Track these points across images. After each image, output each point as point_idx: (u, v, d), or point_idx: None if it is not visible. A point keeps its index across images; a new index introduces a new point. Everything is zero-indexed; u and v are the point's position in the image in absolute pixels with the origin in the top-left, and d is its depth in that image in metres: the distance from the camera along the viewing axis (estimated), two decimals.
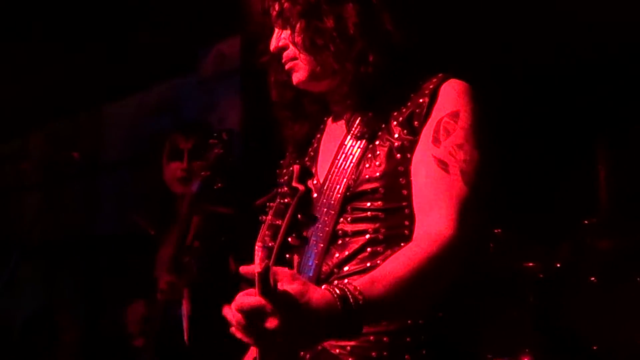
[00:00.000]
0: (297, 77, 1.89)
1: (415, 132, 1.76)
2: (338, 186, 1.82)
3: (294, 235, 1.44)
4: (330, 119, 2.01)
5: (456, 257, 1.64)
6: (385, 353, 1.70)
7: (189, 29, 4.84)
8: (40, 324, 4.26)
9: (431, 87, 1.80)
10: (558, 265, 3.23)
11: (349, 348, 1.72)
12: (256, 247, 1.48)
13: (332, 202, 1.81)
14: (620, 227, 3.31)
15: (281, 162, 2.14)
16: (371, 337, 1.70)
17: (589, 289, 3.23)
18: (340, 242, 1.79)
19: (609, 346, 3.16)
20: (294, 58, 1.88)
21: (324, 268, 1.79)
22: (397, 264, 1.58)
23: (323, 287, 1.51)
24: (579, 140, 3.65)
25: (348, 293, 1.48)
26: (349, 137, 1.87)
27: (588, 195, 3.52)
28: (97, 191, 5.88)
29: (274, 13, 1.90)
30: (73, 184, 5.84)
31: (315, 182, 1.88)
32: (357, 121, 1.86)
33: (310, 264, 1.81)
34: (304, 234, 1.45)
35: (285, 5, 1.87)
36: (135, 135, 5.52)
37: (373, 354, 1.71)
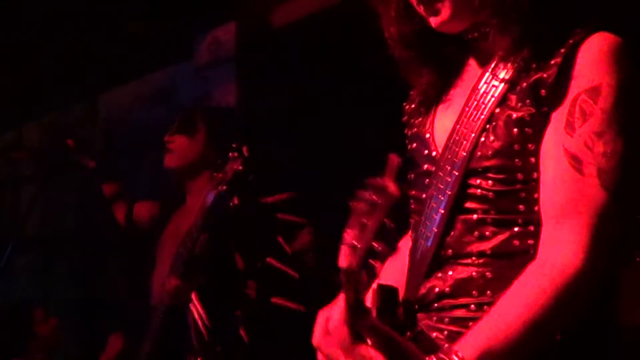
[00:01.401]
0: (441, 16, 1.55)
1: (540, 104, 1.44)
2: (465, 142, 1.51)
3: (383, 242, 1.28)
4: (467, 64, 1.65)
5: (585, 291, 1.38)
6: None
7: (184, 16, 4.81)
8: (18, 315, 4.27)
9: (569, 44, 1.44)
10: None
11: (446, 332, 1.49)
12: (342, 240, 1.31)
13: (456, 160, 1.51)
14: None
15: (404, 105, 1.80)
16: (470, 323, 1.44)
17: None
18: (463, 213, 1.51)
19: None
20: None
21: (448, 240, 1.52)
22: (511, 317, 1.35)
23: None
24: None
25: None
26: (482, 83, 1.54)
27: None
28: (92, 181, 5.84)
29: None
30: (68, 174, 5.81)
31: (432, 143, 1.61)
32: (496, 67, 1.54)
33: (429, 232, 1.54)
34: (394, 240, 1.30)
35: None
36: (132, 125, 5.49)
37: None
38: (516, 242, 1.46)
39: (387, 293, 1.45)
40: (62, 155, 3.78)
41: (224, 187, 3.02)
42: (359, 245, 1.29)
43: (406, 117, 1.76)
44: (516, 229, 1.46)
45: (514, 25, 1.48)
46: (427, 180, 1.58)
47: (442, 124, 1.62)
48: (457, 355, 1.32)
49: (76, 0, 4.80)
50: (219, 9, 4.66)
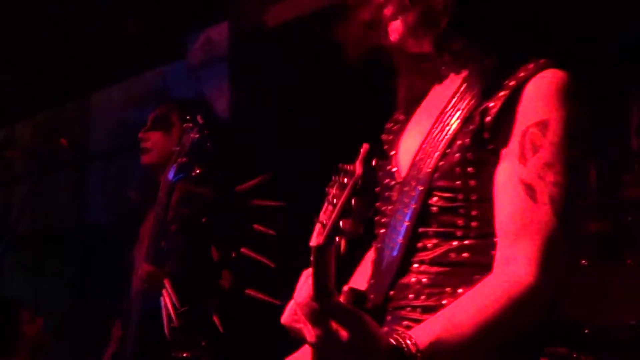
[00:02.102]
0: (394, 36, 1.73)
1: (482, 131, 1.58)
2: (429, 160, 1.65)
3: (349, 220, 1.34)
4: (436, 84, 1.79)
5: (535, 304, 1.50)
6: None
7: (177, 16, 4.81)
8: (3, 315, 4.26)
9: (519, 77, 1.58)
10: None
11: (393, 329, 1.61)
12: (316, 220, 1.39)
13: (420, 176, 1.65)
14: (610, 209, 3.31)
15: (395, 116, 1.93)
16: (404, 322, 1.62)
17: (580, 272, 3.23)
18: (428, 223, 1.64)
19: (600, 329, 3.16)
20: (394, 16, 1.72)
21: (410, 250, 1.66)
22: (465, 316, 1.46)
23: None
24: None
25: (404, 347, 1.41)
26: (449, 107, 1.68)
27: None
28: (85, 180, 5.86)
29: None
30: (61, 173, 5.82)
31: (393, 153, 1.77)
32: (462, 94, 1.67)
33: (394, 243, 1.67)
34: (360, 219, 1.35)
35: None
36: (124, 124, 5.49)
37: None
38: (452, 255, 1.61)
39: (356, 296, 1.51)
40: (55, 154, 3.77)
41: (183, 159, 3.02)
42: (326, 224, 1.36)
43: (383, 134, 1.91)
44: (454, 242, 1.61)
45: (470, 58, 1.65)
46: (388, 193, 1.74)
47: (407, 143, 1.76)
48: (410, 339, 1.42)
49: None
50: (212, 8, 4.66)
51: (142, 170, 3.55)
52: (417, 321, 1.56)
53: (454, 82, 1.72)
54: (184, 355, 3.10)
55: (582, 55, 1.72)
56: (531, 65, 1.58)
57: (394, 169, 1.75)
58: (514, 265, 1.50)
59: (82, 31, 5.10)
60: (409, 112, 1.84)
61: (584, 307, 3.24)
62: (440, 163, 1.62)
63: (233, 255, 3.22)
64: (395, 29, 1.72)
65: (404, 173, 1.72)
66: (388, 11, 1.73)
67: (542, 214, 1.50)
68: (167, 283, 3.07)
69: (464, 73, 1.69)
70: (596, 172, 3.36)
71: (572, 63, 1.60)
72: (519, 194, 1.53)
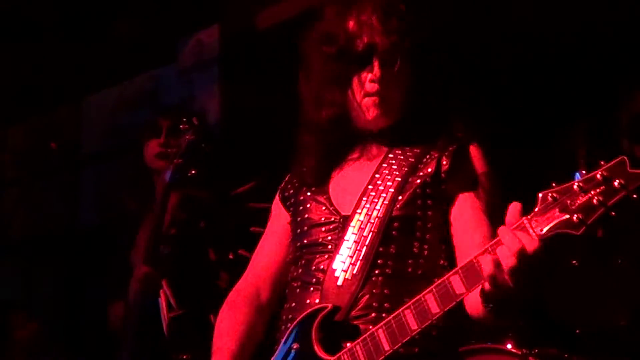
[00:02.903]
0: (378, 113, 2.12)
1: (439, 174, 2.08)
2: (381, 199, 2.08)
3: None
4: (354, 149, 2.21)
5: None
6: None
7: (168, 19, 4.81)
8: None
9: (458, 143, 2.12)
10: None
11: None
12: None
13: (377, 210, 2.06)
14: None
15: (287, 179, 2.34)
16: (370, 326, 1.95)
17: (571, 273, 3.23)
18: (387, 245, 2.05)
19: (591, 329, 3.17)
20: (383, 94, 2.10)
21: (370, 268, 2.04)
22: None
23: None
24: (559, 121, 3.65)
25: None
26: (383, 167, 2.13)
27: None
28: (77, 184, 5.84)
29: (383, 47, 2.10)
30: (53, 177, 5.80)
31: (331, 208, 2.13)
32: (396, 154, 2.14)
33: (352, 263, 2.05)
34: None
35: (395, 44, 2.10)
36: (115, 127, 5.48)
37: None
38: (409, 269, 2.02)
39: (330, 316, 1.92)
40: (46, 157, 3.78)
41: (180, 160, 3.04)
42: None
43: (289, 192, 2.28)
44: (410, 261, 2.03)
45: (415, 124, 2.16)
46: (326, 227, 2.11)
47: (341, 188, 2.16)
48: None
49: (60, 2, 4.80)
50: (202, 11, 4.66)
51: (136, 174, 3.56)
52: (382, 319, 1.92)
53: (380, 147, 2.18)
54: (184, 357, 3.10)
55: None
56: (462, 136, 2.14)
57: (331, 208, 2.13)
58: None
59: (74, 35, 5.09)
60: (321, 174, 2.21)
61: (575, 307, 3.24)
62: (399, 197, 2.06)
63: (230, 256, 3.23)
64: (382, 106, 2.12)
65: (349, 210, 2.09)
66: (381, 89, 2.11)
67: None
68: (164, 284, 3.08)
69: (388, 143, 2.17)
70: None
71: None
72: (480, 216, 2.06)
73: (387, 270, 2.01)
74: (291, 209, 2.24)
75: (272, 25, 4.50)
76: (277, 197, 2.34)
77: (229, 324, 2.21)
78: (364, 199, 2.10)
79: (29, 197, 5.68)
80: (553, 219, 1.68)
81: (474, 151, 2.15)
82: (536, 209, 1.71)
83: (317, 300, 2.02)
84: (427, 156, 2.12)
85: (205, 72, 4.68)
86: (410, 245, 2.04)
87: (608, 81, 3.54)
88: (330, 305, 1.97)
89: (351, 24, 2.13)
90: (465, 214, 2.08)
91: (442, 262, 2.05)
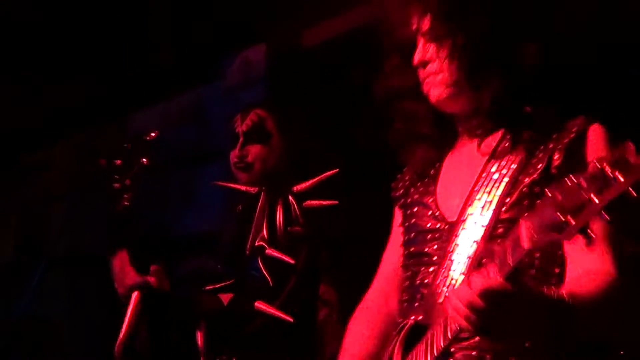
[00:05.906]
0: (437, 94, 1.93)
1: (550, 168, 1.83)
2: (488, 199, 1.87)
3: None
4: (458, 143, 2.04)
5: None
6: None
7: (214, 37, 4.83)
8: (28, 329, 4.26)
9: (577, 126, 1.85)
10: None
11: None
12: None
13: (483, 213, 1.86)
14: None
15: (394, 185, 2.20)
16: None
17: None
18: None
19: None
20: (437, 73, 1.92)
21: None
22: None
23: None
24: None
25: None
26: (492, 162, 1.92)
27: None
28: None
29: (424, 26, 1.94)
30: (100, 193, 5.83)
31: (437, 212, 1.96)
32: (501, 146, 1.92)
33: (457, 276, 1.86)
34: None
35: (438, 19, 1.91)
36: (161, 145, 5.50)
37: None
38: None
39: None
40: (93, 175, 3.78)
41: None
42: None
43: (399, 191, 2.14)
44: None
45: (500, 109, 1.91)
46: (430, 235, 1.95)
47: (446, 189, 1.98)
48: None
49: (106, 20, 4.85)
50: (249, 30, 4.68)
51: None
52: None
53: (487, 138, 1.94)
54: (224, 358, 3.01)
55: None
56: (582, 118, 1.87)
57: (436, 213, 1.95)
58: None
59: (121, 52, 5.14)
60: (426, 170, 2.06)
61: None
62: (506, 199, 1.83)
63: None
64: (438, 86, 1.94)
65: (454, 216, 1.91)
66: (431, 68, 1.93)
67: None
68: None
69: (497, 130, 1.93)
70: None
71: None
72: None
73: None
74: (401, 210, 2.13)
75: (319, 43, 4.50)
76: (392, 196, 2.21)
77: (358, 333, 2.16)
78: (470, 203, 1.90)
79: (74, 214, 5.71)
80: None
81: (595, 134, 1.86)
82: None
83: (420, 318, 1.90)
84: (541, 147, 1.86)
85: (252, 90, 4.68)
86: None
87: None
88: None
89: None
90: None
91: (556, 269, 1.82)
